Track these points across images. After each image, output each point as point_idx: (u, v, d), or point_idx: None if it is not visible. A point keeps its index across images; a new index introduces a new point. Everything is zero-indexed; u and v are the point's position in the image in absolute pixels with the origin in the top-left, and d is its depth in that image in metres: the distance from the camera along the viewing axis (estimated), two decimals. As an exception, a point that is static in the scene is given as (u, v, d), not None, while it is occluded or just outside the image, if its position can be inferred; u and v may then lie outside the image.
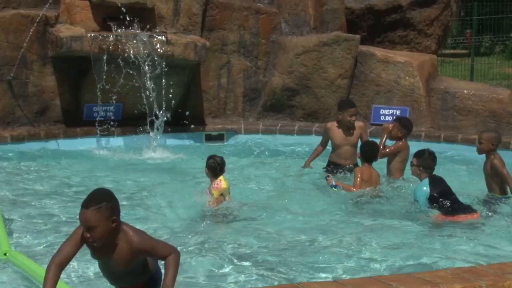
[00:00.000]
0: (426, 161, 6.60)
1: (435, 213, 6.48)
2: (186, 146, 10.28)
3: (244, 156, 9.90)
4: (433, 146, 9.71)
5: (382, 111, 10.94)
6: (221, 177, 6.66)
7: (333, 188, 7.26)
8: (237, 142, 10.73)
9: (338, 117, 8.33)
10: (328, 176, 7.45)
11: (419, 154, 6.73)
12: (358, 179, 7.26)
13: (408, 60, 11.05)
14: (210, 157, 6.73)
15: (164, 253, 3.63)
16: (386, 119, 10.86)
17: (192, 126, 10.50)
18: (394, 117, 10.86)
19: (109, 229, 3.55)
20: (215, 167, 6.62)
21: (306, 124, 11.02)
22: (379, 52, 11.27)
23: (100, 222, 3.51)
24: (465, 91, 10.79)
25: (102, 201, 3.54)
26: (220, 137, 10.77)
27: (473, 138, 9.97)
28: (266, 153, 10.08)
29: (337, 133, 8.33)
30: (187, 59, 10.10)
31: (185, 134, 10.54)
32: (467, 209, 6.49)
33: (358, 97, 11.10)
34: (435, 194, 6.43)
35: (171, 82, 9.91)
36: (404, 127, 8.17)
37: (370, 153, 7.47)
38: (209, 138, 10.73)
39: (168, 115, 9.89)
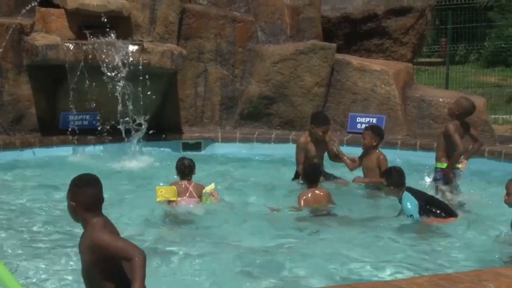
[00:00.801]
0: (394, 179, 6.55)
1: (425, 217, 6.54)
2: (163, 155, 10.23)
3: (221, 164, 9.91)
4: (409, 154, 10.09)
5: (358, 119, 10.97)
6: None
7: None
8: (214, 150, 10.74)
9: (310, 129, 8.33)
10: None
11: (386, 175, 6.69)
12: (301, 204, 6.98)
13: (384, 68, 11.10)
14: (179, 159, 7.03)
15: (127, 254, 3.48)
16: (362, 126, 10.80)
17: (169, 134, 10.53)
18: (369, 123, 10.89)
19: (70, 208, 3.79)
20: (183, 170, 6.95)
21: (283, 132, 11.02)
22: (355, 60, 11.31)
23: (67, 198, 3.82)
24: (441, 99, 10.83)
25: (73, 182, 3.83)
26: (197, 146, 10.74)
27: None
28: (243, 161, 10.10)
29: (312, 146, 8.33)
30: (163, 67, 10.10)
31: (162, 143, 10.49)
32: (452, 211, 6.56)
33: (334, 105, 11.14)
34: (422, 203, 6.44)
35: (148, 91, 9.89)
36: (377, 135, 8.12)
37: (311, 176, 7.15)
38: (186, 146, 10.69)
39: (143, 123, 9.86)
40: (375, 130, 8.18)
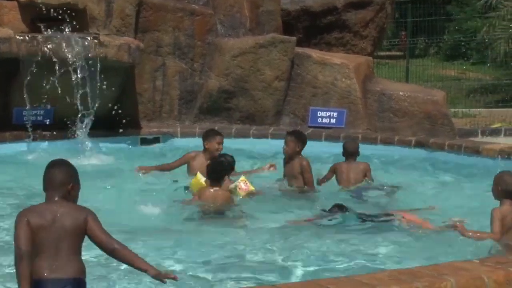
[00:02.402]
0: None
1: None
2: (121, 150, 10.15)
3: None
4: (370, 148, 10.09)
5: (319, 113, 11.00)
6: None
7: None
8: (173, 145, 10.70)
9: (204, 146, 8.15)
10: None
11: (330, 209, 6.53)
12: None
13: (344, 62, 11.14)
14: (221, 156, 7.13)
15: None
16: (324, 121, 10.97)
17: (127, 129, 10.42)
18: (330, 117, 10.87)
19: None
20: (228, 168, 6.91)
21: (243, 127, 11.03)
22: (315, 54, 11.34)
23: None
24: (401, 93, 10.92)
25: None
26: (155, 141, 10.71)
27: (409, 139, 10.22)
28: None
29: (200, 162, 7.99)
30: (120, 61, 10.00)
31: (119, 138, 10.45)
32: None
33: (295, 99, 11.16)
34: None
35: (105, 85, 9.79)
36: (301, 141, 7.84)
37: (213, 173, 6.85)
38: (145, 141, 10.67)
39: (92, 117, 9.77)
40: (298, 136, 7.90)
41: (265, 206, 7.13)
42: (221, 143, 8.09)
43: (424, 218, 6.32)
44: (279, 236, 6.04)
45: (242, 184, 7.20)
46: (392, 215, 6.41)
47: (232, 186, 7.15)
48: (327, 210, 6.49)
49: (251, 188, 7.27)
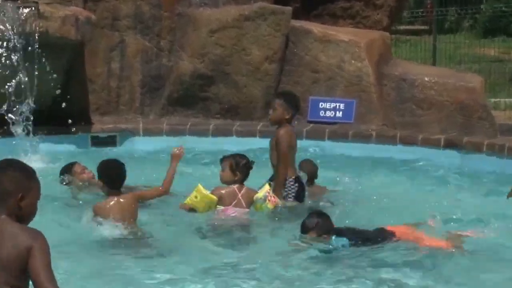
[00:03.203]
0: (323, 225, 6.59)
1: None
2: (66, 152, 10.16)
3: (143, 165, 9.85)
4: (386, 150, 10.21)
5: (322, 105, 11.02)
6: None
7: None
8: (133, 146, 10.72)
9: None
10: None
11: (310, 220, 6.61)
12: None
13: (353, 38, 11.14)
14: (237, 156, 7.47)
15: None
16: (327, 114, 11.00)
17: (74, 125, 10.47)
18: (335, 110, 10.87)
19: None
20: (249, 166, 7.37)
21: (224, 122, 11.09)
22: (316, 28, 11.34)
23: None
24: (426, 78, 10.93)
25: None
26: (111, 140, 10.80)
27: (437, 138, 10.28)
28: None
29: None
30: (66, 37, 10.07)
31: (64, 137, 10.52)
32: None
33: (290, 86, 11.13)
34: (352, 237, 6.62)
35: (46, 68, 9.85)
36: (293, 105, 7.83)
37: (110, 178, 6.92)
38: (97, 141, 10.76)
39: (29, 110, 9.80)
40: (288, 99, 7.91)
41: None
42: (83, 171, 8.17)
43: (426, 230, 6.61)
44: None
45: (271, 195, 7.44)
46: (384, 233, 6.69)
47: (260, 196, 7.38)
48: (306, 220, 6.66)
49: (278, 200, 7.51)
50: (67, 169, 8.21)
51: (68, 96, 10.50)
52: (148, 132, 10.87)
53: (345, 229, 6.71)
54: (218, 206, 7.37)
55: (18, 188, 3.62)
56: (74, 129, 10.51)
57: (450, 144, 10.14)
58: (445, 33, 20.80)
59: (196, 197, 7.32)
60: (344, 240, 6.50)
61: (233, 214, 7.36)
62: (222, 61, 11.12)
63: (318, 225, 6.53)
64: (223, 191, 7.40)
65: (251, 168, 7.47)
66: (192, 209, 7.37)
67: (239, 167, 7.45)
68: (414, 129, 10.67)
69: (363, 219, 7.29)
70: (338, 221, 6.87)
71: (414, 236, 6.69)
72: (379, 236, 6.65)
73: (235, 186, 7.40)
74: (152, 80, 11.31)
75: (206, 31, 11.08)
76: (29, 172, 3.70)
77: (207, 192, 7.36)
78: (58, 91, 10.32)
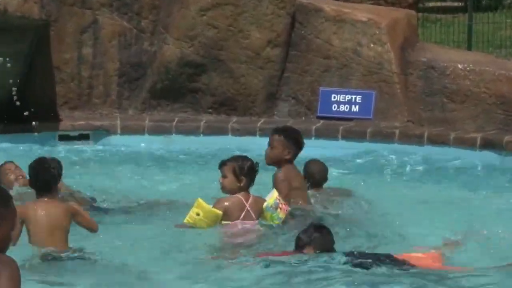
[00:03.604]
0: (318, 239, 6.55)
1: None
2: (29, 153, 10.13)
3: (120, 167, 9.97)
4: (412, 150, 10.22)
5: (334, 97, 10.97)
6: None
7: None
8: (109, 146, 10.77)
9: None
10: None
11: (305, 230, 6.65)
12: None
13: (372, 18, 11.07)
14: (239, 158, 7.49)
15: None
16: (341, 109, 10.96)
17: (38, 121, 10.47)
18: (350, 103, 10.78)
19: None
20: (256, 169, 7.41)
21: (217, 118, 11.14)
22: (328, 6, 11.27)
23: None
24: (460, 66, 10.87)
25: None
26: (82, 139, 10.82)
27: (473, 137, 10.21)
28: (157, 163, 10.22)
29: None
30: (27, 17, 10.22)
31: (27, 135, 10.59)
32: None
33: (297, 75, 11.13)
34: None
35: (5, 55, 10.03)
36: (294, 143, 7.94)
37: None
38: (66, 140, 10.80)
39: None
40: (288, 135, 8.01)
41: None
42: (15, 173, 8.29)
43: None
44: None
45: (282, 202, 7.51)
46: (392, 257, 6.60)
47: (270, 204, 7.41)
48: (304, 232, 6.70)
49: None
50: None
51: (31, 88, 10.63)
52: (127, 130, 10.95)
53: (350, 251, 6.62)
54: (223, 221, 7.28)
55: None
56: (38, 125, 10.48)
57: (488, 144, 10.10)
58: (483, 11, 20.78)
59: (198, 214, 7.22)
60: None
61: (246, 228, 7.37)
62: (215, 45, 11.11)
63: (315, 240, 6.48)
64: (227, 203, 7.31)
65: (257, 171, 7.43)
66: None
67: (243, 171, 7.39)
68: (444, 127, 10.65)
69: (377, 236, 7.31)
70: (346, 235, 6.97)
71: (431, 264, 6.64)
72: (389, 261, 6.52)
73: (240, 195, 7.32)
74: (131, 69, 11.30)
75: (196, 9, 11.05)
76: (4, 199, 3.94)
77: (210, 207, 7.23)
78: (18, 82, 10.38)
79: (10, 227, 3.96)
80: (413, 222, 7.69)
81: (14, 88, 10.25)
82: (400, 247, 6.95)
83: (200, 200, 7.33)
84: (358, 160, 10.15)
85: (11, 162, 8.53)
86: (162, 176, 9.61)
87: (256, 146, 9.95)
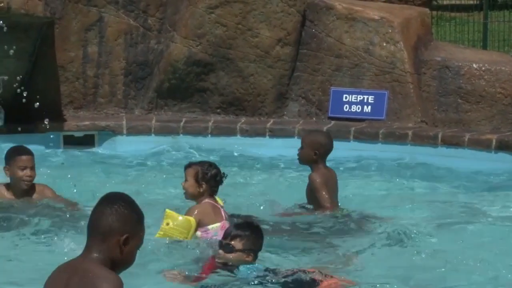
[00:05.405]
0: (250, 238, 6.47)
1: None
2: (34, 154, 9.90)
3: (127, 170, 9.97)
4: (426, 152, 10.26)
5: (346, 98, 11.01)
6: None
7: None
8: (115, 148, 10.80)
9: (5, 173, 8.21)
10: None
11: (239, 225, 6.63)
12: None
13: (385, 16, 11.10)
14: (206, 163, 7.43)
15: None
16: (353, 109, 10.99)
17: (42, 122, 10.46)
18: (362, 104, 10.79)
19: None
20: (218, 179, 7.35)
21: (226, 119, 11.15)
22: (340, 4, 11.27)
23: None
24: (475, 65, 10.93)
25: None
26: (87, 141, 10.83)
27: (488, 139, 10.22)
28: (163, 164, 10.21)
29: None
30: (32, 14, 10.16)
31: (31, 136, 10.54)
32: None
33: (308, 74, 11.17)
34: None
35: (8, 53, 10.01)
36: (321, 144, 8.07)
37: None
38: (70, 142, 10.81)
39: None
40: (315, 137, 8.26)
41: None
42: (26, 167, 8.16)
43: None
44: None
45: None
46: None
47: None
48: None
49: None
50: None
51: (34, 87, 10.57)
52: (133, 131, 10.96)
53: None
54: (201, 228, 7.23)
55: (125, 228, 3.87)
56: (42, 126, 10.48)
57: (504, 146, 10.11)
58: (498, 9, 20.75)
59: (167, 223, 7.12)
60: (255, 268, 6.39)
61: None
62: (224, 44, 11.14)
63: (247, 237, 6.42)
64: (198, 209, 7.24)
65: (221, 182, 7.41)
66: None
67: (205, 177, 7.37)
68: (459, 128, 10.70)
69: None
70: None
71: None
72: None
73: (208, 200, 7.30)
74: (138, 68, 11.33)
75: (204, 6, 11.08)
76: (139, 215, 3.93)
77: (181, 216, 7.16)
78: (22, 81, 10.41)
79: (138, 247, 3.93)
80: (426, 223, 7.71)
81: (16, 86, 10.25)
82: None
83: (168, 210, 7.24)
84: (370, 162, 10.16)
85: (32, 155, 8.30)
86: (170, 178, 9.40)
87: (265, 147, 10.35)
